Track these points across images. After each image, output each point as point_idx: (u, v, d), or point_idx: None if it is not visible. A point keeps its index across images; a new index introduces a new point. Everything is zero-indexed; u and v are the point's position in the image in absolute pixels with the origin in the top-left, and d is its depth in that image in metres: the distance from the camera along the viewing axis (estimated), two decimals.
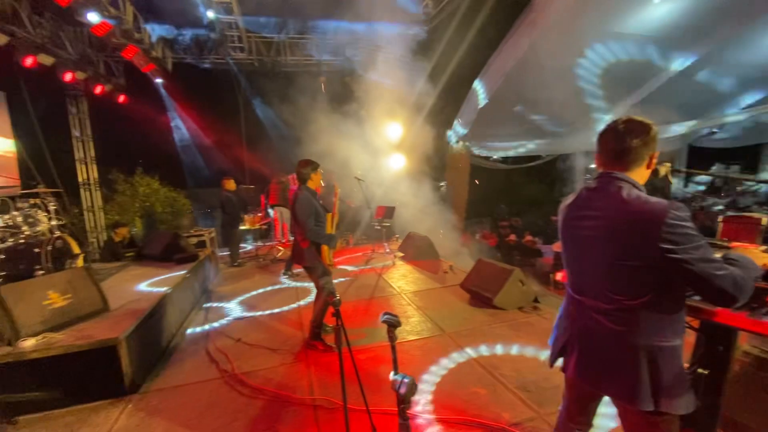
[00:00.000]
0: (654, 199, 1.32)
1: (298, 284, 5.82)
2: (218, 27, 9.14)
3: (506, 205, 13.38)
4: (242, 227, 8.26)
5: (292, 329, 4.18)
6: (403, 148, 11.07)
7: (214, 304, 5.13)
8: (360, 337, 3.78)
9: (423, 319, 4.23)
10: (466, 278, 4.92)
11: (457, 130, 11.29)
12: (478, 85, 9.65)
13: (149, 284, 4.71)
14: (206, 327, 4.37)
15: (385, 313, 1.36)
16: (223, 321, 4.52)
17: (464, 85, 10.26)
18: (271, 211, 8.08)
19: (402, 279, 5.83)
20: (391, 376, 1.26)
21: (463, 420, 2.49)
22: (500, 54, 8.40)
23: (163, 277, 4.97)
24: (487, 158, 12.45)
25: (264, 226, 9.25)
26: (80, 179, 10.19)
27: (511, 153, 12.70)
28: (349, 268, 6.70)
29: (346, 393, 1.99)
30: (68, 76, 7.72)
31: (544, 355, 3.28)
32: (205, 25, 9.63)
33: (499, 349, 3.43)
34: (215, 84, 11.46)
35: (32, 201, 4.59)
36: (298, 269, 6.01)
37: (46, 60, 7.05)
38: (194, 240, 6.81)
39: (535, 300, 4.35)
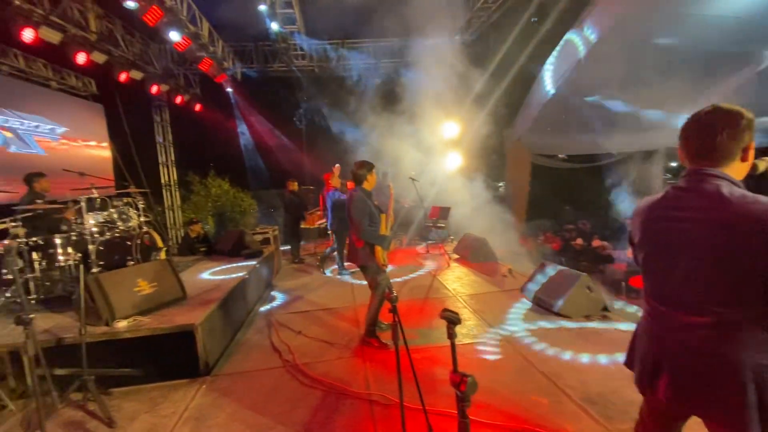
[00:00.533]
0: (764, 198, 1.16)
1: (355, 281, 5.95)
2: (282, 37, 9.65)
3: (571, 206, 12.58)
4: (302, 226, 8.63)
5: (348, 325, 4.29)
6: (460, 146, 10.86)
7: (277, 298, 5.43)
8: (413, 338, 3.77)
9: (479, 323, 4.12)
10: (527, 282, 4.71)
11: (518, 127, 10.86)
12: (542, 80, 9.20)
13: (220, 277, 5.11)
14: (269, 318, 4.63)
15: (445, 310, 1.34)
16: (285, 313, 4.77)
17: (525, 81, 9.85)
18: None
19: (457, 281, 5.73)
20: (451, 373, 1.24)
21: (523, 429, 2.38)
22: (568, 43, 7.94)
23: (232, 272, 5.37)
24: (551, 156, 11.81)
25: (322, 225, 9.60)
26: (163, 181, 11.34)
27: (577, 151, 11.91)
28: (402, 268, 6.72)
29: (402, 390, 1.99)
30: (154, 89, 8.64)
31: (613, 366, 3.04)
32: (269, 36, 10.23)
33: (562, 358, 3.24)
34: (278, 90, 12.16)
35: (125, 200, 5.19)
36: (352, 268, 6.14)
37: (137, 75, 7.94)
38: (259, 237, 7.26)
39: (605, 309, 4.04)
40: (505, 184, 12.71)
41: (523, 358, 3.30)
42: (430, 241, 8.09)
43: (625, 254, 9.35)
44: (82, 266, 3.00)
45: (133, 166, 9.64)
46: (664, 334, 1.39)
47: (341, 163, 10.83)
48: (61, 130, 7.53)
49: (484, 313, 4.35)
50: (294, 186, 7.77)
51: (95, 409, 2.90)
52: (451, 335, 1.30)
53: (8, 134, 6.42)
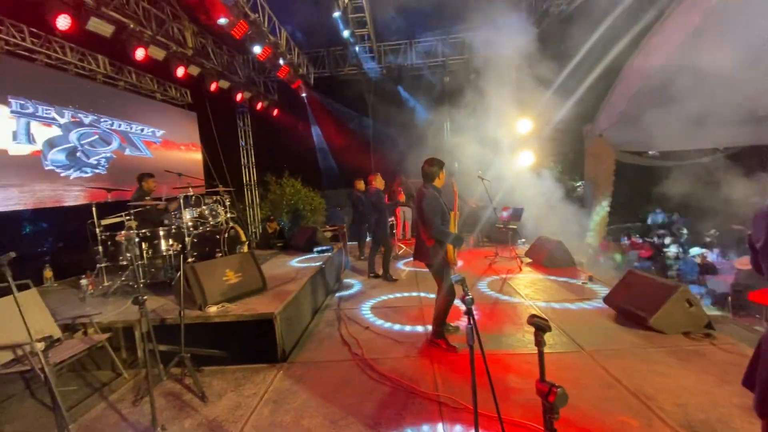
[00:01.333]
0: None
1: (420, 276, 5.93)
2: (353, 41, 9.94)
3: (663, 209, 11.23)
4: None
5: (414, 323, 4.29)
6: (533, 143, 10.29)
7: (345, 293, 5.61)
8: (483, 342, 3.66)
9: (556, 332, 3.86)
10: (611, 292, 4.30)
11: (601, 121, 9.98)
12: (631, 66, 8.33)
13: (295, 270, 5.42)
14: (338, 312, 4.81)
15: (534, 316, 1.27)
16: (352, 308, 4.91)
17: (609, 72, 9.00)
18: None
19: (530, 286, 5.43)
20: (538, 382, 1.17)
21: None
22: (666, 24, 7.09)
23: (306, 264, 5.67)
24: (639, 153, 10.66)
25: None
26: (244, 181, 12.35)
27: (672, 146, 10.59)
28: (469, 270, 6.54)
29: (476, 396, 1.93)
30: (239, 96, 9.43)
31: (719, 391, 2.65)
32: (340, 41, 10.61)
33: (654, 378, 2.90)
34: (347, 93, 12.55)
35: (214, 198, 5.75)
36: (420, 266, 6.10)
37: (224, 84, 8.74)
38: (329, 234, 7.57)
39: (708, 326, 3.54)
40: (584, 183, 11.75)
41: (607, 373, 3.02)
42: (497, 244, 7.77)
43: (731, 264, 8.11)
44: (182, 256, 3.36)
45: (220, 168, 10.66)
46: None
47: (407, 162, 10.90)
48: (160, 133, 8.56)
49: (561, 323, 4.06)
50: (361, 185, 7.96)
51: (190, 384, 3.24)
52: (540, 343, 1.23)
53: (123, 140, 7.46)
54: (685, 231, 10.27)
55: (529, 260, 6.86)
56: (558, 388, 1.11)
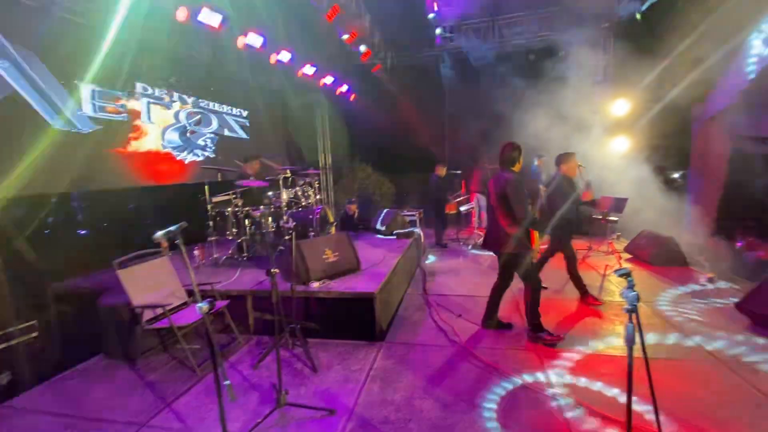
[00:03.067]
0: None
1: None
2: (435, 24, 9.66)
3: None
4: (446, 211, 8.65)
5: (508, 314, 4.12)
6: (630, 128, 9.31)
7: (427, 278, 5.57)
8: (584, 342, 3.40)
9: (681, 338, 3.46)
10: (747, 297, 3.75)
11: (714, 103, 8.69)
12: (753, 40, 7.09)
13: (382, 252, 5.47)
14: (425, 297, 4.78)
15: None
16: (437, 295, 4.85)
17: (720, 44, 7.73)
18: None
19: (636, 286, 4.92)
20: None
21: None
22: None
23: (390, 248, 5.71)
24: (763, 140, 9.15)
25: (464, 210, 9.45)
26: (321, 164, 12.79)
27: None
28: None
29: (631, 405, 1.75)
30: (320, 82, 9.67)
31: None
32: (422, 23, 10.35)
33: None
34: (426, 77, 12.29)
35: (307, 180, 6.00)
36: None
37: (309, 70, 8.98)
38: (407, 219, 7.55)
39: None
40: (689, 173, 10.41)
41: (754, 387, 2.63)
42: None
43: None
44: (293, 234, 3.53)
45: (300, 151, 11.15)
46: None
47: (489, 147, 10.47)
48: (246, 113, 9.09)
49: (686, 328, 3.63)
50: (441, 171, 7.82)
51: (299, 353, 3.43)
52: None
53: (221, 122, 8.04)
54: None
55: (629, 256, 6.26)
56: None
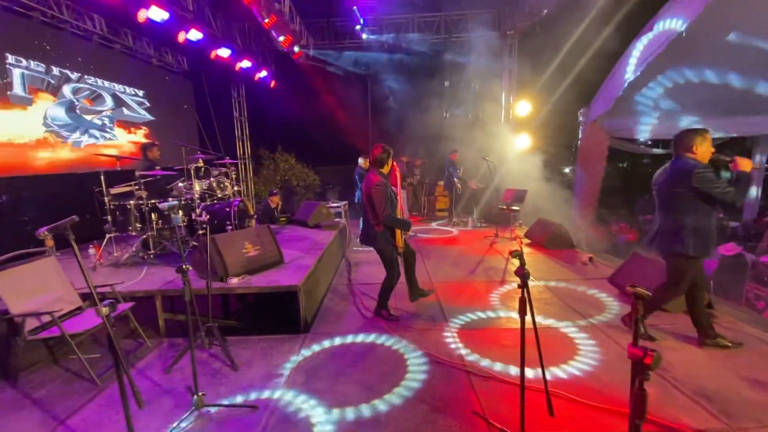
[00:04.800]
0: None
1: (431, 264, 6.04)
2: (357, 14, 9.66)
3: (651, 196, 11.65)
4: None
5: (429, 300, 4.40)
6: (528, 128, 10.42)
7: (352, 268, 5.68)
8: (495, 316, 3.82)
9: (565, 308, 4.05)
10: (616, 272, 4.52)
11: (596, 107, 10.13)
12: (631, 53, 8.43)
13: (306, 245, 5.43)
14: (350, 287, 4.88)
15: (633, 285, 1.36)
16: (361, 284, 4.99)
17: (606, 57, 9.09)
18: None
19: (533, 267, 5.61)
20: (631, 347, 1.27)
21: None
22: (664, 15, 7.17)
23: (315, 240, 5.68)
24: (631, 140, 10.93)
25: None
26: (238, 154, 12.07)
27: (665, 135, 10.86)
28: (470, 249, 6.69)
29: (524, 365, 2.05)
30: (237, 66, 9.10)
31: (727, 365, 2.87)
32: (343, 11, 10.27)
33: (665, 352, 3.10)
34: (347, 67, 12.26)
35: (222, 170, 5.65)
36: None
37: (224, 53, 8.40)
38: (332, 211, 7.56)
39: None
40: (576, 168, 12.03)
41: (621, 347, 3.22)
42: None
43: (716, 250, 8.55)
44: (208, 227, 3.34)
45: (215, 139, 10.37)
46: None
47: (404, 141, 10.85)
48: (153, 98, 8.22)
49: (570, 301, 4.26)
50: (365, 162, 7.93)
51: (217, 353, 3.29)
52: (636, 312, 1.32)
53: (117, 101, 7.13)
54: None
55: (528, 241, 7.07)
56: (653, 351, 1.21)
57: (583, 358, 3.05)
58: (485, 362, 3.02)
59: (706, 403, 2.46)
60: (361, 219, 3.94)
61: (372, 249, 3.86)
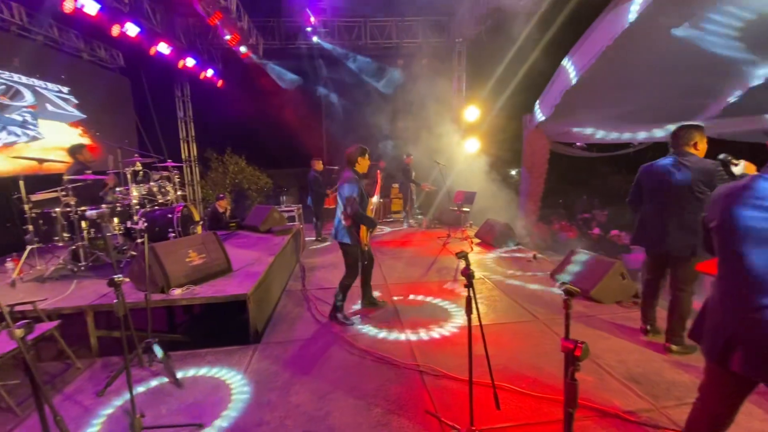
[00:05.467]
0: None
1: (386, 266, 6.07)
2: (309, 14, 9.53)
3: (588, 196, 12.58)
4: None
5: (381, 300, 4.42)
6: (477, 132, 10.86)
7: (306, 274, 5.58)
8: (448, 315, 3.94)
9: (512, 304, 4.26)
10: (558, 268, 4.82)
11: (537, 114, 10.78)
12: (566, 65, 9.08)
13: (257, 251, 5.25)
14: (304, 293, 4.79)
15: (564, 283, 1.45)
16: (316, 289, 4.92)
17: (548, 66, 9.73)
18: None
19: (481, 265, 5.84)
20: (564, 340, 1.35)
21: None
22: (599, 26, 7.82)
23: (267, 245, 5.50)
24: (569, 144, 11.75)
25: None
26: (183, 156, 11.42)
27: (597, 140, 11.80)
28: (424, 250, 6.83)
29: (472, 363, 2.12)
30: (180, 63, 8.62)
31: (650, 349, 3.17)
32: (294, 11, 10.08)
33: (599, 341, 3.37)
34: (298, 69, 12.04)
35: (164, 174, 5.31)
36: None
37: (165, 49, 7.92)
38: (285, 215, 7.37)
39: (635, 295, 4.15)
40: (521, 170, 12.74)
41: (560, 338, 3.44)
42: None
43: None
44: (146, 236, 3.12)
45: (157, 141, 9.72)
46: (740, 311, 1.49)
47: (365, 144, 10.84)
48: (84, 96, 7.56)
49: (516, 296, 4.48)
50: (319, 165, 7.84)
51: (159, 370, 3.08)
52: (567, 306, 1.41)
53: (37, 97, 6.47)
54: (606, 215, 11.61)
55: (478, 240, 7.35)
56: (582, 343, 1.30)
57: (529, 352, 3.22)
58: (438, 361, 3.09)
59: (635, 386, 2.69)
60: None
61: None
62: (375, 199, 4.16)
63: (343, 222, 3.75)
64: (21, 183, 4.06)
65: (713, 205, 1.67)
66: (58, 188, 4.27)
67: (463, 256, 2.02)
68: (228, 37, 8.26)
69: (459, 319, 3.90)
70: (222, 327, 3.90)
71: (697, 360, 2.94)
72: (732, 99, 7.13)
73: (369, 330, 3.72)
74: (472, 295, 2.01)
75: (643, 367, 2.91)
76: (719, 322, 1.58)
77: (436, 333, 3.63)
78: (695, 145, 2.95)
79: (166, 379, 2.95)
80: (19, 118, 5.87)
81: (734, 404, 1.67)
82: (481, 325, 2.23)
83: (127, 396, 2.45)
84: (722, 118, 8.08)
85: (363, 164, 3.85)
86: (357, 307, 4.26)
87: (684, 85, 7.13)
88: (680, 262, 3.01)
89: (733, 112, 6.80)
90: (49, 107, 6.63)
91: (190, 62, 8.86)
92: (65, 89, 7.21)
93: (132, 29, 6.60)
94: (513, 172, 15.75)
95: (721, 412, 1.70)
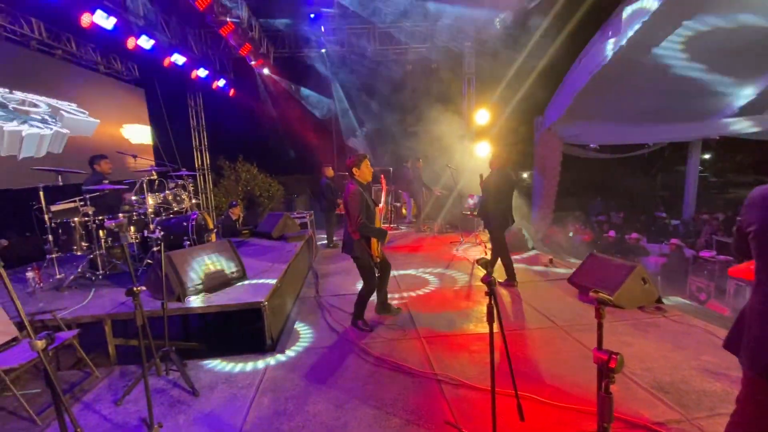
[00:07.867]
0: None
1: (399, 272, 6.02)
2: (319, 21, 9.63)
3: (603, 198, 12.35)
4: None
5: (395, 308, 4.38)
6: (488, 135, 10.77)
7: (320, 280, 5.56)
8: (464, 322, 3.86)
9: (530, 310, 4.17)
10: (575, 273, 4.70)
11: (550, 115, 10.67)
12: (576, 68, 8.99)
13: (270, 258, 5.25)
14: (318, 300, 4.76)
15: (596, 290, 1.40)
16: (330, 296, 4.88)
17: (559, 69, 9.63)
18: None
19: (498, 270, 5.74)
20: (596, 351, 1.30)
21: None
22: (604, 32, 7.74)
23: (280, 253, 5.51)
24: (582, 146, 11.58)
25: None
26: (196, 165, 11.59)
27: (611, 141, 11.62)
28: (438, 254, 6.77)
29: (494, 373, 2.06)
30: (193, 74, 8.77)
31: (678, 357, 3.05)
32: (304, 20, 10.19)
33: (622, 348, 3.25)
34: (309, 76, 12.16)
35: (180, 182, 5.37)
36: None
37: (179, 60, 8.07)
38: (297, 222, 7.39)
39: (659, 300, 4.02)
40: (533, 173, 12.59)
41: (582, 345, 3.34)
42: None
43: (659, 247, 9.19)
44: (162, 245, 3.14)
45: (171, 150, 9.87)
46: None
47: (374, 150, 10.87)
48: (102, 109, 7.72)
49: (533, 302, 4.39)
50: (330, 172, 7.85)
51: (176, 378, 3.08)
52: (600, 315, 1.35)
53: (58, 115, 6.63)
54: (622, 217, 11.39)
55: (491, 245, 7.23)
56: (617, 354, 1.24)
57: (549, 360, 3.13)
58: (456, 369, 3.03)
59: (663, 395, 2.59)
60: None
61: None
62: (382, 203, 4.11)
63: (352, 235, 3.68)
64: (41, 193, 4.13)
65: (751, 207, 1.59)
66: (77, 198, 4.34)
67: (484, 263, 1.97)
68: (240, 47, 8.37)
69: (474, 325, 3.83)
70: (237, 335, 3.90)
71: (727, 368, 2.82)
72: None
73: (385, 337, 3.68)
74: (493, 303, 1.96)
75: (670, 376, 2.80)
76: (763, 332, 1.49)
77: (453, 340, 3.56)
78: None
79: (183, 388, 2.95)
80: (38, 117, 6.02)
81: None
82: (503, 333, 2.17)
83: (145, 404, 2.44)
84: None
85: (365, 171, 3.71)
86: (372, 314, 4.21)
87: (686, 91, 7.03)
88: None
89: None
90: (66, 114, 6.77)
91: (202, 72, 9.00)
92: (88, 105, 7.38)
93: (146, 42, 6.73)
94: (525, 175, 15.60)
95: (764, 428, 1.61)
